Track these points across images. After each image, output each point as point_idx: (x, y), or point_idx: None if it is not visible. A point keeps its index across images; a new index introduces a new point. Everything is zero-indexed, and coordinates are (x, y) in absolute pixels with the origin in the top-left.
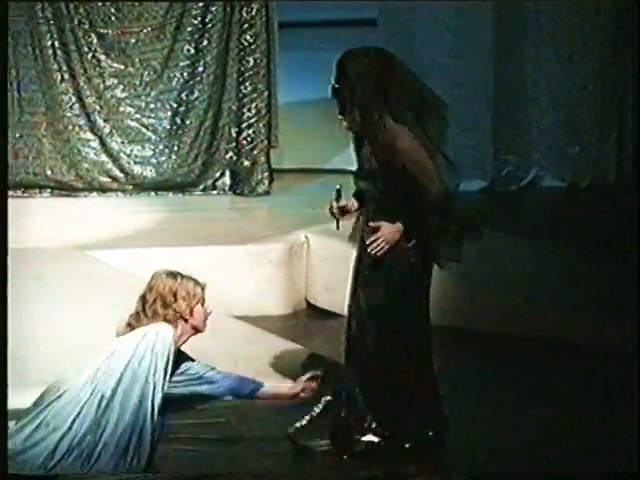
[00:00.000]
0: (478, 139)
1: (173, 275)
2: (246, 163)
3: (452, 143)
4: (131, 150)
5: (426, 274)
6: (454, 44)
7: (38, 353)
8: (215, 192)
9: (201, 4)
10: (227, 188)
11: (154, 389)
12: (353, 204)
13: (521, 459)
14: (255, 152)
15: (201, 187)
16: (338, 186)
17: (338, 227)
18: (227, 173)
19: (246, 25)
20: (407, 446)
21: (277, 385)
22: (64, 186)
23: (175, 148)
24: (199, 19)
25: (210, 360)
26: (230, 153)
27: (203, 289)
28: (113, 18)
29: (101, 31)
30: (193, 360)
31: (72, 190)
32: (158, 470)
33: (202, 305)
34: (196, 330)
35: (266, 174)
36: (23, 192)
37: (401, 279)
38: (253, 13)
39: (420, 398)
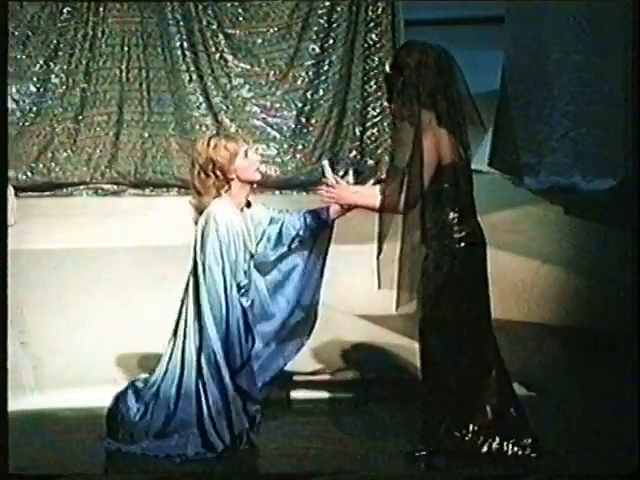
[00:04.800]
0: (608, 137)
1: (208, 143)
2: (370, 162)
3: (581, 141)
4: (256, 149)
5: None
6: (585, 40)
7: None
8: None
9: (327, 3)
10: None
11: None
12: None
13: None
14: (379, 151)
15: None
16: (325, 162)
17: None
18: (351, 172)
19: (372, 24)
20: (484, 451)
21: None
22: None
23: (299, 147)
24: (325, 18)
25: (333, 360)
26: (354, 152)
27: (239, 142)
28: (240, 18)
29: (228, 31)
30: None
31: None
32: (256, 463)
33: (246, 156)
34: (250, 182)
35: None
36: (151, 191)
37: (459, 275)
38: (379, 12)
39: (489, 402)
